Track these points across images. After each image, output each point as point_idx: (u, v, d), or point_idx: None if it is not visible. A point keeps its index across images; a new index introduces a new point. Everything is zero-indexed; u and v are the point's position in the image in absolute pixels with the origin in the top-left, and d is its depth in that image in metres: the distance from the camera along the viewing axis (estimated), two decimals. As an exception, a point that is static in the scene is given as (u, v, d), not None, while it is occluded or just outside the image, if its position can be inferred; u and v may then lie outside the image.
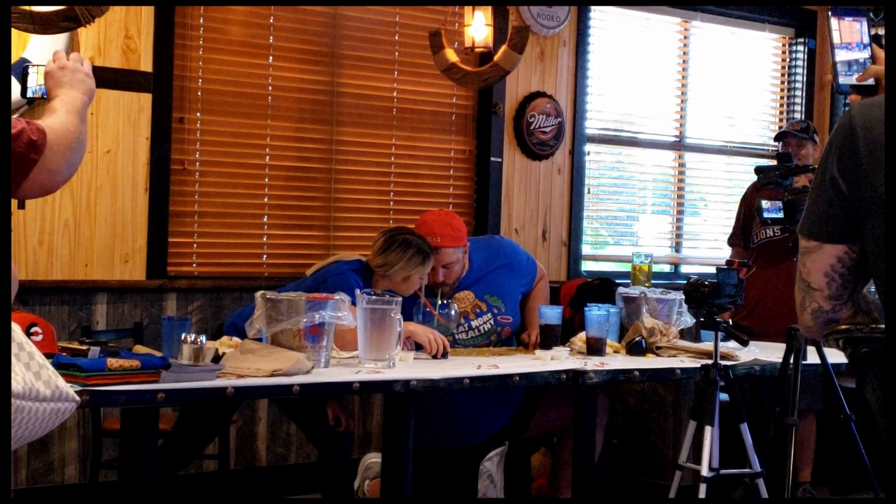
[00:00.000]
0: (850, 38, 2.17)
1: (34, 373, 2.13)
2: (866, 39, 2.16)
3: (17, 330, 2.13)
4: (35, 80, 2.71)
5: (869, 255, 2.00)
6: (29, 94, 2.71)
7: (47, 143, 2.36)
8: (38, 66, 2.71)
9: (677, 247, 6.97)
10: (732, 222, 5.58)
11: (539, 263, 4.72)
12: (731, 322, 5.18)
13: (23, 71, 2.72)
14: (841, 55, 2.16)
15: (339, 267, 4.25)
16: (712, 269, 4.05)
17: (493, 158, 6.04)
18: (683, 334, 4.43)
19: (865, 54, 2.15)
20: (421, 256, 4.22)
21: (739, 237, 5.43)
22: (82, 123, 2.51)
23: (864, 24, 2.17)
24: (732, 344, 4.14)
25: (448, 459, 4.42)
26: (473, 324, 4.38)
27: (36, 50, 4.61)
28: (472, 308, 4.39)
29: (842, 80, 2.16)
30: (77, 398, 2.23)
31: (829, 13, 2.18)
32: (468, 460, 4.50)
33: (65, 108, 2.50)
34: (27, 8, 4.19)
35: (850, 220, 2.00)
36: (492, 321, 4.41)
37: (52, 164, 2.38)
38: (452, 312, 4.19)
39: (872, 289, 2.05)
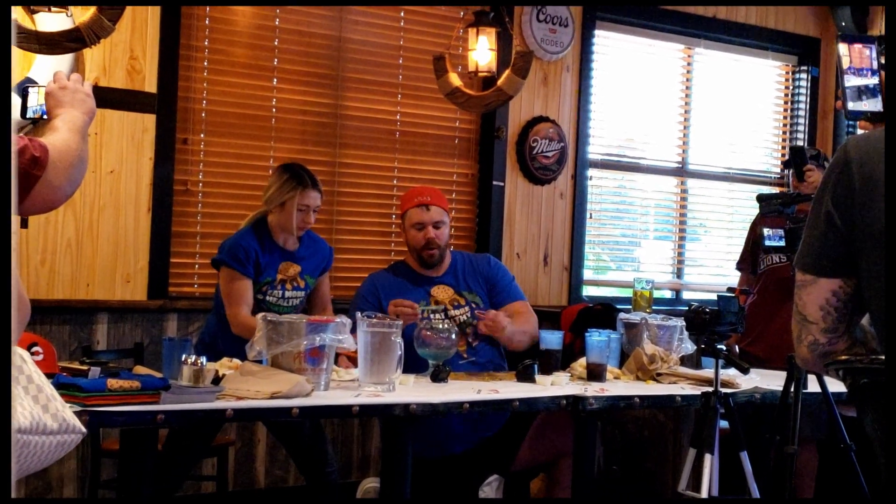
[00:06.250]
0: (859, 63, 2.17)
1: (42, 406, 2.12)
2: (875, 65, 2.16)
3: (27, 360, 2.13)
4: (35, 100, 2.72)
5: (864, 289, 2.00)
6: (29, 115, 2.73)
7: (49, 159, 2.37)
8: (38, 86, 2.72)
9: (679, 273, 6.97)
10: (734, 249, 5.57)
11: (527, 302, 4.70)
12: (737, 348, 5.18)
13: (23, 91, 2.73)
14: (850, 80, 2.16)
15: (230, 239, 4.41)
16: (714, 296, 4.05)
17: (495, 182, 6.05)
18: (684, 361, 4.42)
19: (875, 80, 2.15)
20: (296, 181, 4.37)
21: (748, 262, 5.42)
22: (83, 141, 2.52)
23: (874, 50, 2.17)
24: (733, 371, 4.13)
25: (445, 477, 4.40)
26: (450, 314, 4.42)
27: (41, 70, 4.62)
28: (451, 301, 4.47)
29: (851, 105, 2.16)
30: (83, 429, 2.22)
31: (839, 38, 2.19)
32: (465, 478, 4.48)
33: (66, 126, 2.52)
34: (32, 28, 4.21)
35: (845, 254, 2.00)
36: (468, 314, 4.49)
37: (54, 181, 2.39)
38: (453, 336, 4.18)
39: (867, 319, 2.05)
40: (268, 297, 4.35)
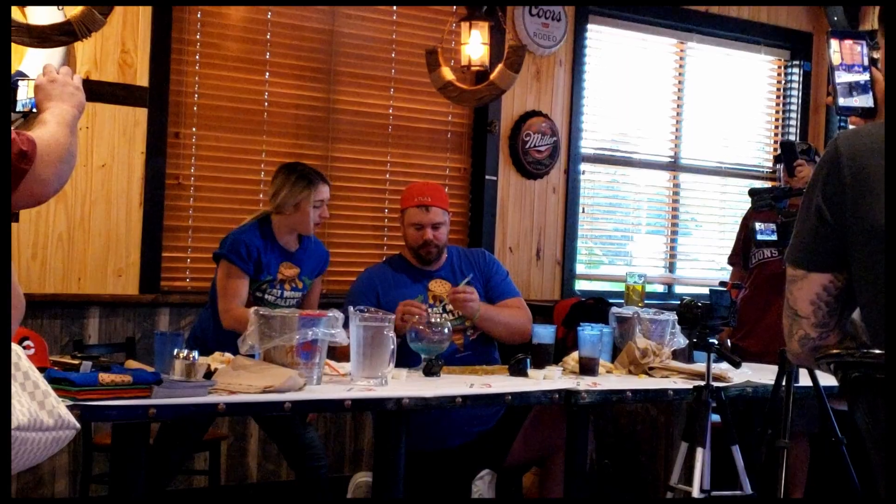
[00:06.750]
0: (850, 59, 2.16)
1: (38, 402, 2.12)
2: (866, 62, 2.16)
3: (22, 356, 2.12)
4: (25, 94, 2.71)
5: (855, 283, 2.01)
6: (18, 108, 2.72)
7: (37, 153, 2.36)
8: (28, 79, 2.71)
9: (671, 267, 6.97)
10: (726, 243, 5.58)
11: (521, 298, 4.63)
12: (729, 342, 5.19)
13: (13, 84, 2.72)
14: (841, 77, 2.16)
15: (233, 233, 4.40)
16: (706, 290, 4.05)
17: (487, 177, 6.05)
18: (676, 355, 4.42)
19: (866, 76, 2.15)
20: (306, 180, 4.38)
21: (739, 256, 5.43)
22: (72, 135, 2.51)
23: (864, 46, 2.17)
24: (725, 365, 4.14)
25: (438, 471, 4.40)
26: (448, 307, 4.40)
27: (32, 64, 4.61)
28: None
29: (842, 101, 2.16)
30: (77, 425, 2.22)
31: (829, 34, 2.18)
32: (458, 471, 4.48)
33: (55, 120, 2.50)
34: (24, 21, 4.19)
35: (836, 248, 2.00)
36: None
37: (42, 175, 2.37)
38: (446, 331, 4.18)
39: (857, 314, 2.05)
40: (266, 296, 4.35)
